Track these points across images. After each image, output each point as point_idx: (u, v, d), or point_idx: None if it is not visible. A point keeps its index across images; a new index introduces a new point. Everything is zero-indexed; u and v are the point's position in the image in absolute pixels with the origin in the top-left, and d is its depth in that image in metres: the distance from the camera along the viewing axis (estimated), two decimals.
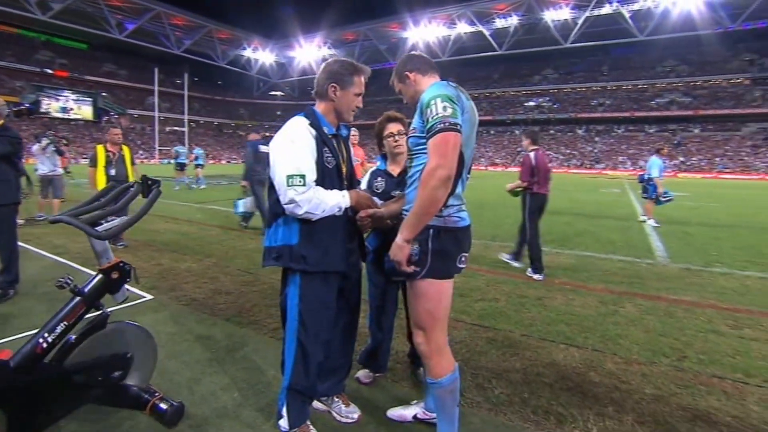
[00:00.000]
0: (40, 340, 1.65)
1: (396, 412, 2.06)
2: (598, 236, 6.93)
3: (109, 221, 1.80)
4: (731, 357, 2.78)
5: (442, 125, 1.52)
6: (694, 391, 2.36)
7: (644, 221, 8.59)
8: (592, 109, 53.79)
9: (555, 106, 55.88)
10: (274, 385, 2.32)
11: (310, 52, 65.88)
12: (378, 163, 2.41)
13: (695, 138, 47.27)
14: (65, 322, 1.71)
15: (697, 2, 41.69)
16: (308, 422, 1.87)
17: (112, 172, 5.40)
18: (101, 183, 5.35)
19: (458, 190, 1.67)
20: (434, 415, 1.98)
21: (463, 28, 54.11)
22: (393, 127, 2.33)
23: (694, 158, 44.19)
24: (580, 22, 47.04)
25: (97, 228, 1.71)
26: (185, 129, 54.52)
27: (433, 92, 1.59)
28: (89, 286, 1.78)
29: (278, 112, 76.27)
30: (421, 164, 1.66)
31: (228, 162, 57.97)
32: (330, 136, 1.80)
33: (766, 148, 42.63)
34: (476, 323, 3.20)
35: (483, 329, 3.11)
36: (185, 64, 57.64)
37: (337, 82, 1.78)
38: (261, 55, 68.89)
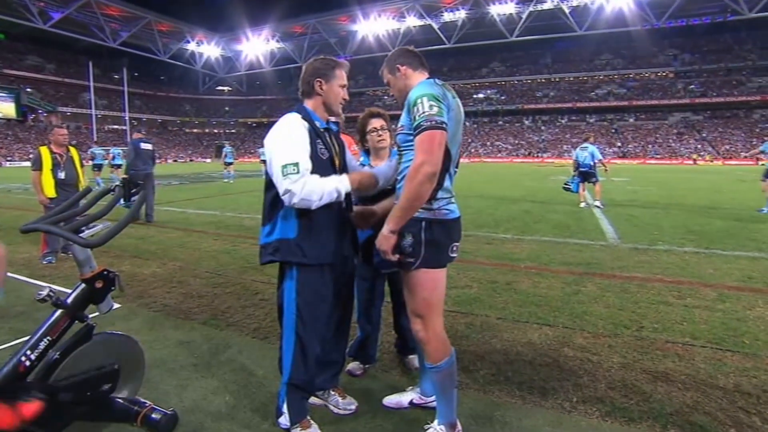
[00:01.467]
0: (23, 359, 1.56)
1: (392, 400, 2.12)
2: (554, 222, 7.33)
3: (90, 228, 1.71)
4: (679, 324, 3.08)
5: (428, 123, 1.59)
6: (653, 356, 2.61)
7: (591, 206, 9.16)
8: (538, 100, 56.28)
9: (502, 97, 57.90)
10: (266, 384, 2.31)
11: (258, 46, 63.83)
12: (362, 158, 2.45)
13: (630, 127, 50.80)
14: (48, 338, 1.62)
15: (627, 0, 44.52)
16: (308, 417, 1.90)
17: (62, 175, 5.02)
18: (49, 187, 4.97)
19: (446, 183, 1.74)
20: (430, 399, 2.07)
21: (412, 21, 54.56)
22: (376, 123, 2.37)
23: (630, 145, 47.51)
24: (524, 16, 48.86)
25: (81, 235, 1.62)
26: (126, 127, 51.27)
27: (420, 91, 1.65)
28: (72, 298, 1.69)
29: (226, 108, 73.46)
30: (410, 160, 1.72)
31: (175, 161, 55.19)
32: (322, 130, 1.85)
33: (689, 135, 46.60)
34: (453, 310, 3.32)
35: (461, 315, 3.24)
36: (123, 58, 53.93)
37: (322, 76, 1.85)
38: (206, 48, 65.73)
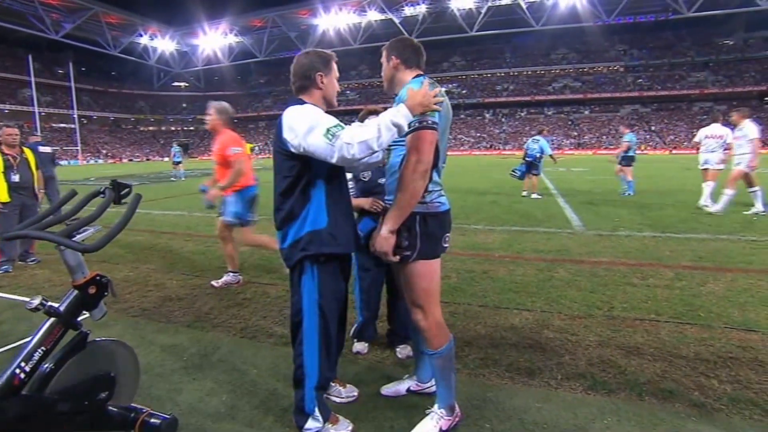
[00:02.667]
0: (17, 371, 1.50)
1: (390, 389, 2.19)
2: (522, 212, 7.62)
3: (81, 232, 1.66)
4: (644, 302, 3.33)
5: (419, 123, 1.66)
6: (624, 333, 2.82)
7: (527, 196, 9.57)
8: (497, 93, 57.67)
9: (464, 91, 58.94)
10: (262, 383, 2.32)
11: (215, 40, 61.52)
12: None
13: (585, 119, 53.06)
14: (43, 348, 1.56)
15: None
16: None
17: (16, 178, 4.72)
18: (1, 191, 4.66)
19: (436, 177, 1.81)
20: (426, 385, 2.15)
21: (373, 15, 54.32)
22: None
23: (585, 137, 49.65)
24: (483, 11, 49.76)
25: (73, 239, 1.57)
26: (75, 126, 48.34)
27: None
28: (65, 305, 1.64)
29: (183, 105, 70.67)
30: (398, 156, 1.79)
31: (130, 160, 52.69)
32: None
33: (639, 126, 49.20)
34: None
35: (444, 305, 3.31)
36: (68, 51, 50.63)
37: (321, 70, 1.83)
38: (160, 43, 62.60)
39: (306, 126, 1.64)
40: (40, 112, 45.63)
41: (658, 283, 3.76)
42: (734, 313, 3.09)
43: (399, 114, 1.62)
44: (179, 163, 18.76)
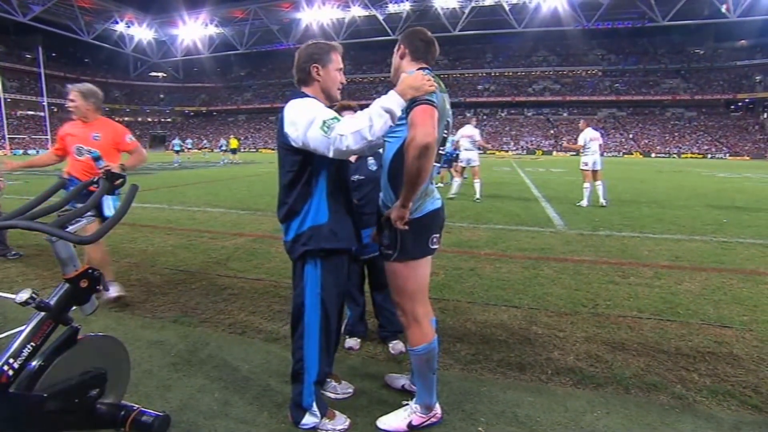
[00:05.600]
0: (5, 368, 1.44)
1: (392, 377, 2.24)
2: (505, 211, 7.73)
3: (74, 223, 1.60)
4: (627, 300, 3.44)
5: (413, 102, 1.61)
6: (609, 329, 2.91)
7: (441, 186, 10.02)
8: (479, 93, 58.29)
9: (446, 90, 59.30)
10: (254, 379, 2.29)
11: (195, 30, 59.95)
12: None
13: (564, 121, 54.19)
14: (32, 344, 1.50)
15: (561, 0, 47.18)
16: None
17: None
18: None
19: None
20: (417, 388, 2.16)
21: (357, 11, 54.00)
22: (347, 115, 2.40)
23: (564, 138, 50.64)
24: (466, 11, 50.12)
25: (66, 230, 1.51)
26: (45, 113, 46.37)
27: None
28: (55, 299, 1.58)
29: (161, 95, 68.78)
30: (391, 150, 1.76)
31: None
32: None
33: (615, 130, 50.67)
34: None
35: (434, 301, 3.33)
36: (37, 35, 48.24)
37: (317, 61, 1.79)
38: (137, 30, 60.49)
39: (306, 120, 1.62)
40: (5, 99, 43.50)
41: (639, 281, 3.88)
42: (710, 310, 3.22)
43: (389, 99, 1.59)
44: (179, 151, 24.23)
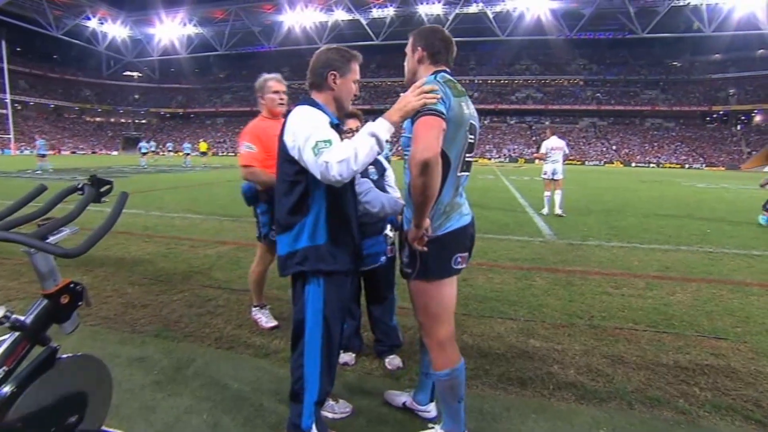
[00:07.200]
0: None
1: (392, 395, 2.18)
2: (492, 219, 7.79)
3: (56, 234, 1.50)
4: (621, 311, 3.47)
5: (421, 112, 1.53)
6: (607, 342, 2.92)
7: None
8: None
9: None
10: (245, 397, 2.20)
11: (173, 29, 59.11)
12: None
13: (546, 129, 55.34)
14: (4, 367, 1.39)
15: (544, 10, 48.49)
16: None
17: None
18: None
19: (445, 197, 1.66)
20: (422, 408, 2.08)
21: (340, 15, 54.27)
22: (351, 123, 2.37)
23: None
24: (450, 18, 50.93)
25: (48, 241, 1.41)
26: (8, 111, 44.78)
27: None
28: (32, 317, 1.47)
29: (136, 96, 67.32)
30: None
31: (73, 152, 49.47)
32: (333, 126, 1.72)
33: (596, 139, 52.06)
34: None
35: None
36: (0, 28, 46.67)
37: (337, 69, 1.72)
38: (111, 28, 59.29)
39: (303, 135, 1.56)
40: None
41: (631, 292, 3.93)
42: (704, 321, 3.28)
43: (376, 124, 1.54)
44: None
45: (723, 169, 41.80)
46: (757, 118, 50.84)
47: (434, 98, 1.54)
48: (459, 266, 1.75)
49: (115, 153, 51.35)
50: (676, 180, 22.34)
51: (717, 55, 53.70)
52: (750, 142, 46.79)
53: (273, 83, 2.94)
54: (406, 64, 1.83)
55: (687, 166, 44.27)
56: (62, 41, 55.08)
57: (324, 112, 1.68)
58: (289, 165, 1.65)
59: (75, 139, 54.24)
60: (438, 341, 1.76)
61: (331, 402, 2.06)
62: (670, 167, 43.42)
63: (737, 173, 34.97)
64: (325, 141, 1.52)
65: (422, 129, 1.51)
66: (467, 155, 1.71)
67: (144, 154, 24.93)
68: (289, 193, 1.67)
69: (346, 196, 1.74)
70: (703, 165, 44.06)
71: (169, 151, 37.84)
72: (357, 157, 1.48)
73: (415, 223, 1.61)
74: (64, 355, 1.61)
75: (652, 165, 44.93)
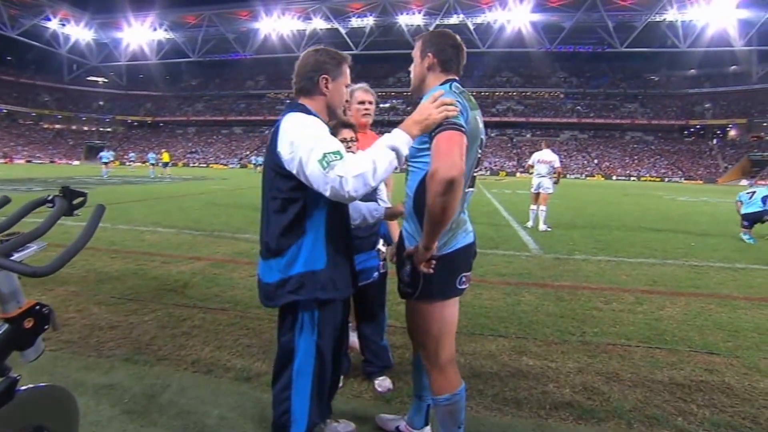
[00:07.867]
0: None
1: (385, 419, 2.13)
2: (479, 234, 7.77)
3: (22, 251, 1.42)
4: (613, 327, 3.53)
5: (443, 125, 1.48)
6: (601, 358, 2.95)
7: None
8: None
9: (408, 107, 60.75)
10: (225, 425, 2.12)
11: (142, 34, 58.33)
12: None
13: (527, 142, 56.74)
14: None
15: (525, 22, 50.15)
16: None
17: None
18: None
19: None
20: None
21: (318, 23, 54.75)
22: (346, 133, 2.35)
23: (527, 159, 53.08)
24: (431, 28, 51.89)
25: (13, 258, 1.34)
26: None
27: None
28: None
29: (100, 102, 65.87)
30: (416, 179, 1.63)
31: (28, 161, 47.79)
32: None
33: (578, 152, 53.63)
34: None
35: None
36: None
37: (328, 73, 1.63)
38: (73, 30, 58.07)
39: (306, 146, 1.44)
40: None
41: (621, 307, 4.01)
42: (695, 336, 3.36)
43: (394, 137, 1.47)
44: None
45: (701, 182, 43.62)
46: (732, 133, 53.55)
47: (456, 111, 1.51)
48: (463, 286, 1.71)
49: (76, 162, 49.76)
50: (657, 193, 23.15)
51: (692, 71, 56.52)
52: (726, 156, 49.08)
53: (359, 93, 2.62)
54: (412, 70, 1.79)
55: (666, 179, 46.01)
56: (18, 42, 53.45)
57: (318, 119, 1.62)
58: (283, 180, 1.53)
59: (31, 146, 52.45)
60: (439, 365, 1.73)
61: (332, 423, 2.00)
62: (650, 180, 45.03)
63: (715, 187, 36.53)
64: (334, 153, 1.41)
65: (446, 145, 1.45)
66: (474, 170, 1.71)
67: (105, 163, 24.66)
68: (282, 211, 1.55)
69: (346, 214, 1.69)
70: (682, 178, 45.89)
71: (131, 161, 37.10)
72: (376, 172, 1.41)
73: (424, 245, 1.54)
74: (24, 387, 1.51)
75: (632, 178, 46.53)
